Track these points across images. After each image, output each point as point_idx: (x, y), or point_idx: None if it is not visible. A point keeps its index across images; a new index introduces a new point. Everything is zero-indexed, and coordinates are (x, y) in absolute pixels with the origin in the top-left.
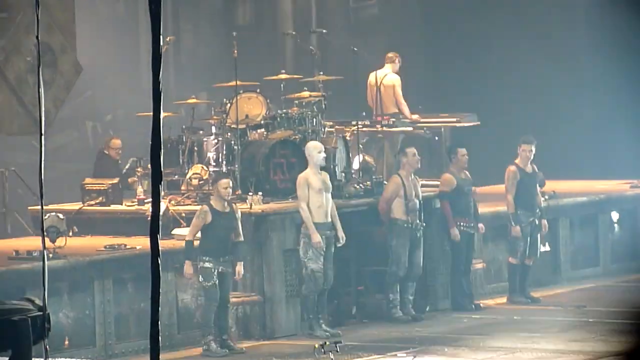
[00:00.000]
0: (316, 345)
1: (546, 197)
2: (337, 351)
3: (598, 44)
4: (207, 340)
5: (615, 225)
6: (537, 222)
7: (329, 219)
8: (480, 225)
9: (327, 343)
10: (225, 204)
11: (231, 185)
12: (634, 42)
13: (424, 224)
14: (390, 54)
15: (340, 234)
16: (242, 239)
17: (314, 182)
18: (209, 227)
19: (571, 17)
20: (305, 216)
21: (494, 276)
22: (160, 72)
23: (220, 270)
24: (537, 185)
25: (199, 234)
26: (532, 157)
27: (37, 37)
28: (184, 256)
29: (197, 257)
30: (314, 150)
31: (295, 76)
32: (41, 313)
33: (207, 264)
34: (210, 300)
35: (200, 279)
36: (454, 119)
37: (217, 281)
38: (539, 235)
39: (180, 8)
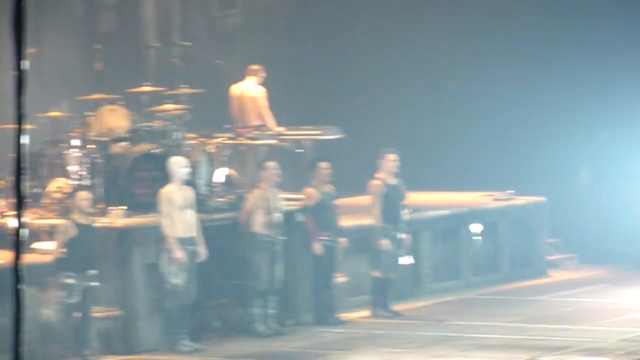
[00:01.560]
0: None
1: (408, 210)
2: None
3: (460, 53)
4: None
5: (477, 237)
6: (401, 236)
7: (192, 234)
8: (343, 239)
9: None
10: (86, 216)
11: (89, 197)
12: (492, 50)
13: (285, 238)
14: (253, 67)
15: (202, 249)
16: None
17: (176, 197)
18: (72, 242)
19: (432, 29)
20: (167, 232)
21: (356, 289)
22: (25, 94)
23: (84, 285)
24: (400, 198)
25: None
26: (396, 169)
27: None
28: (52, 273)
29: (60, 273)
30: (177, 165)
31: (159, 89)
32: None
33: (70, 280)
34: (70, 316)
35: (63, 295)
36: (318, 132)
37: (80, 298)
38: (402, 249)
39: (41, 18)
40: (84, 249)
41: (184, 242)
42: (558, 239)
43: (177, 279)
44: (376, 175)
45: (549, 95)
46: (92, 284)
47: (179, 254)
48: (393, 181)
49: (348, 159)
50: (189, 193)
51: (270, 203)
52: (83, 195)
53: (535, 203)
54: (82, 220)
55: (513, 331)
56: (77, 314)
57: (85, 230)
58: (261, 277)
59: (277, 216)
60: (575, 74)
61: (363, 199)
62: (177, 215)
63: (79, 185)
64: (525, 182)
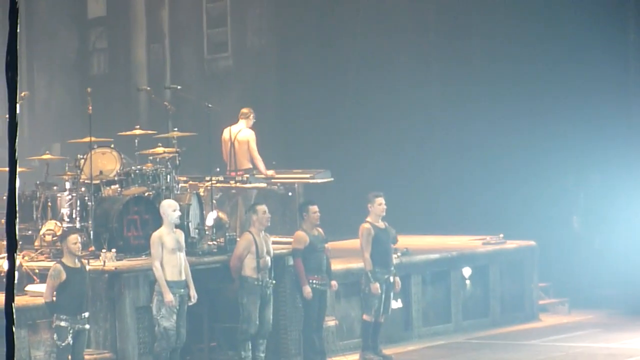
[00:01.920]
0: None
1: (399, 253)
2: None
3: (448, 97)
4: None
5: (467, 281)
6: (391, 279)
7: (182, 277)
8: (333, 282)
9: None
10: (77, 260)
11: (80, 240)
12: (483, 95)
13: (274, 281)
14: (244, 110)
15: (192, 293)
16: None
17: (167, 241)
18: (63, 285)
19: (421, 71)
20: (158, 275)
21: (346, 333)
22: (17, 138)
23: (76, 328)
24: (391, 241)
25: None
26: (384, 213)
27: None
28: (44, 316)
29: (53, 316)
30: (169, 208)
31: (150, 132)
32: None
33: (63, 323)
34: (61, 359)
35: (55, 337)
36: (308, 175)
37: (71, 341)
38: (392, 293)
39: (34, 62)
40: (75, 292)
41: (175, 285)
42: (548, 283)
43: (167, 322)
44: (366, 219)
45: (540, 139)
46: (84, 326)
47: (169, 297)
48: (382, 224)
49: (338, 202)
50: (180, 236)
51: (260, 246)
52: (73, 238)
53: (526, 247)
54: (73, 263)
55: None
56: (69, 357)
57: (76, 273)
58: (251, 320)
59: (267, 260)
60: (566, 118)
61: (353, 242)
62: (168, 258)
63: (70, 228)
64: (516, 226)
